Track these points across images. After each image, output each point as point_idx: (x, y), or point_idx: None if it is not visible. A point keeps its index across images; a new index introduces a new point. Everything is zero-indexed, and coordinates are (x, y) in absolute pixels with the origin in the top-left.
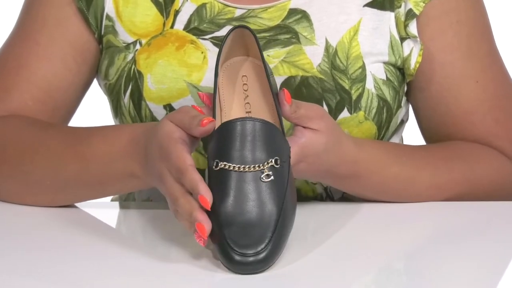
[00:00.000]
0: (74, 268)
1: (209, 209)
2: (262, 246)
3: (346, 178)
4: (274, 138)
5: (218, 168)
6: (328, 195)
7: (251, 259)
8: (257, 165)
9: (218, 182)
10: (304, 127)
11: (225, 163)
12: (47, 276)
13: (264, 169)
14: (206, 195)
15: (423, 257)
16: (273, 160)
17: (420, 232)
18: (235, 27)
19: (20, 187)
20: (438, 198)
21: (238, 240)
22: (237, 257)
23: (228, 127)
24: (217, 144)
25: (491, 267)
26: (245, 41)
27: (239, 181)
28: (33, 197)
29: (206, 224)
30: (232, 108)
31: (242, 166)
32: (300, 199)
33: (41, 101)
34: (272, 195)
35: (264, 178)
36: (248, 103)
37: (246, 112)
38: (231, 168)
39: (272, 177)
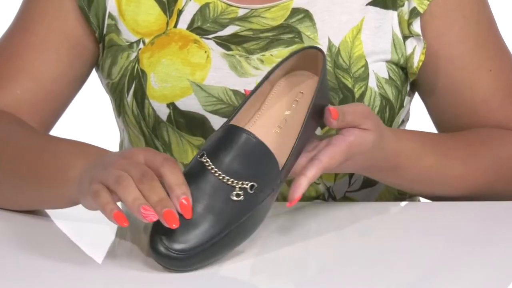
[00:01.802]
0: (74, 268)
1: (189, 218)
2: (184, 249)
3: (386, 170)
4: (263, 163)
5: (201, 160)
6: (331, 195)
7: (164, 251)
8: (233, 180)
9: (192, 171)
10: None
11: (208, 160)
12: (48, 278)
13: (236, 187)
14: (190, 197)
15: (426, 257)
16: (248, 184)
17: (423, 232)
18: (309, 47)
19: None
20: (470, 185)
21: (170, 232)
22: (161, 247)
23: (230, 129)
24: (216, 139)
25: (496, 269)
26: (317, 61)
27: (208, 183)
28: None
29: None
30: (265, 117)
31: (222, 174)
32: (302, 199)
33: (31, 91)
34: (227, 215)
35: (233, 195)
36: (285, 119)
37: (277, 126)
38: (210, 168)
39: (241, 198)
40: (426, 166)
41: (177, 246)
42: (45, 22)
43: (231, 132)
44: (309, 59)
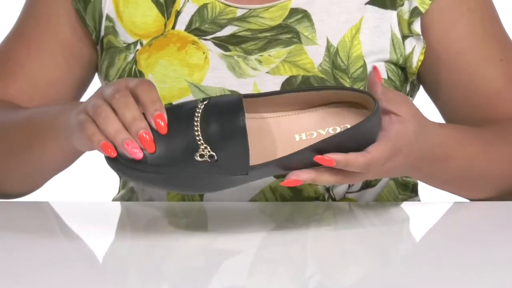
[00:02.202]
0: (71, 268)
1: (164, 133)
2: (127, 159)
3: (436, 161)
4: (235, 149)
5: (197, 105)
6: (330, 196)
7: (124, 163)
8: (201, 140)
9: (182, 107)
10: (391, 112)
11: (201, 110)
12: (43, 276)
13: (200, 147)
14: (164, 115)
15: (427, 257)
16: (210, 153)
17: (423, 232)
18: (364, 92)
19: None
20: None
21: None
22: (121, 159)
23: (237, 101)
24: (223, 100)
25: (499, 270)
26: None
27: (184, 127)
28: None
29: (150, 133)
30: (297, 121)
31: (199, 130)
32: (302, 199)
33: (27, 94)
34: (177, 160)
35: (197, 155)
36: (314, 133)
37: (301, 135)
38: (196, 117)
39: (203, 159)
40: (474, 152)
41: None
42: (40, 26)
43: (235, 104)
44: (368, 100)
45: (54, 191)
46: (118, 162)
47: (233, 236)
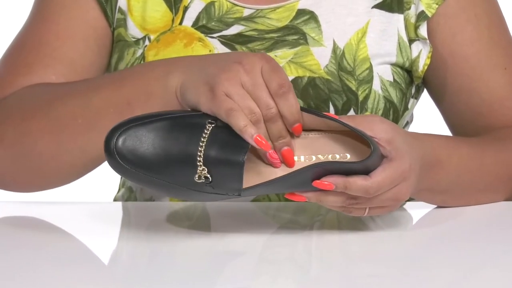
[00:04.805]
0: (73, 268)
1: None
2: (126, 158)
3: (431, 171)
4: (230, 175)
5: (205, 122)
6: None
7: (111, 146)
8: (201, 161)
9: (191, 118)
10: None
11: (208, 132)
12: (44, 277)
13: (198, 168)
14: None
15: (427, 257)
16: (206, 176)
17: (424, 232)
18: (365, 136)
19: (52, 137)
20: (506, 176)
21: (129, 145)
22: (114, 148)
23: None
24: (232, 136)
25: (499, 270)
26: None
27: (189, 142)
28: (67, 146)
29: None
30: (300, 142)
31: (202, 149)
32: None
33: (65, 76)
34: (171, 172)
35: (195, 177)
36: (314, 157)
37: (301, 156)
38: (203, 137)
39: (200, 181)
40: (464, 155)
41: (125, 151)
42: (65, 12)
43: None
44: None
45: (54, 191)
46: (118, 161)
47: (236, 237)
